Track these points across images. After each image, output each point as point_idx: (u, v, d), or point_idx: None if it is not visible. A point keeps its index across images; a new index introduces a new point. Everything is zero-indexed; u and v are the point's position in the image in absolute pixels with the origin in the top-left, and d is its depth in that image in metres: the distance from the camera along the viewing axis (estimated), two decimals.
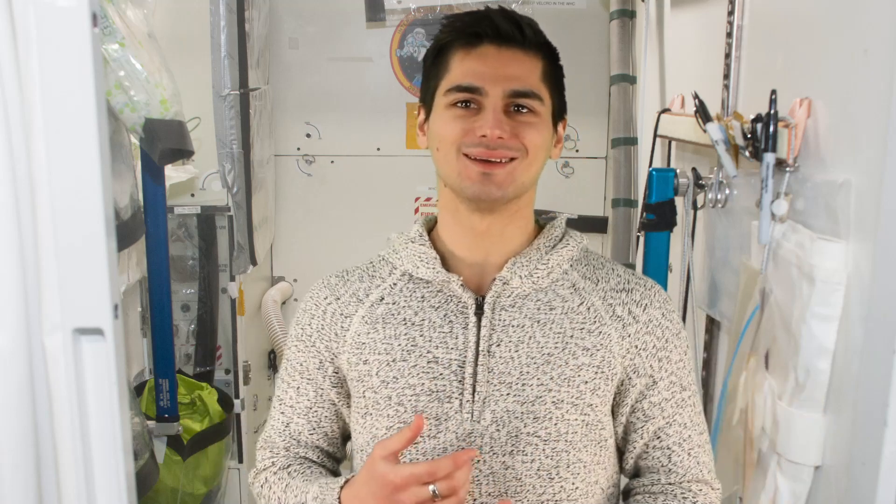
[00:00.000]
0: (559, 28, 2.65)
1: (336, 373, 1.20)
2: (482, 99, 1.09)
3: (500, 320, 1.13)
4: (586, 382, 1.12)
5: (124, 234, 1.90)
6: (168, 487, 2.33)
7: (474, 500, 1.12)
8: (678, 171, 1.90)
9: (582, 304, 1.14)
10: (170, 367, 2.21)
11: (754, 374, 1.50)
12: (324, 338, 1.19)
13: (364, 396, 1.16)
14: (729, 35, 1.71)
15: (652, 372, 1.15)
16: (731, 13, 1.70)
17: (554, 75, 1.14)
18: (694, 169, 1.87)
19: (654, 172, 1.93)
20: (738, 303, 1.63)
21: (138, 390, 2.36)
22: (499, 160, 1.08)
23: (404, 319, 1.15)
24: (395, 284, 1.18)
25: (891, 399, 1.08)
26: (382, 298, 1.17)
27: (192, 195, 2.60)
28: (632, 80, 2.66)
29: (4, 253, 0.78)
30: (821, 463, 1.30)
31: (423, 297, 1.15)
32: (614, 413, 1.18)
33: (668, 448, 1.17)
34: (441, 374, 1.12)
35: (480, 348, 1.12)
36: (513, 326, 1.13)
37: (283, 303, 3.15)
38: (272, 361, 3.20)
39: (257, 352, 3.00)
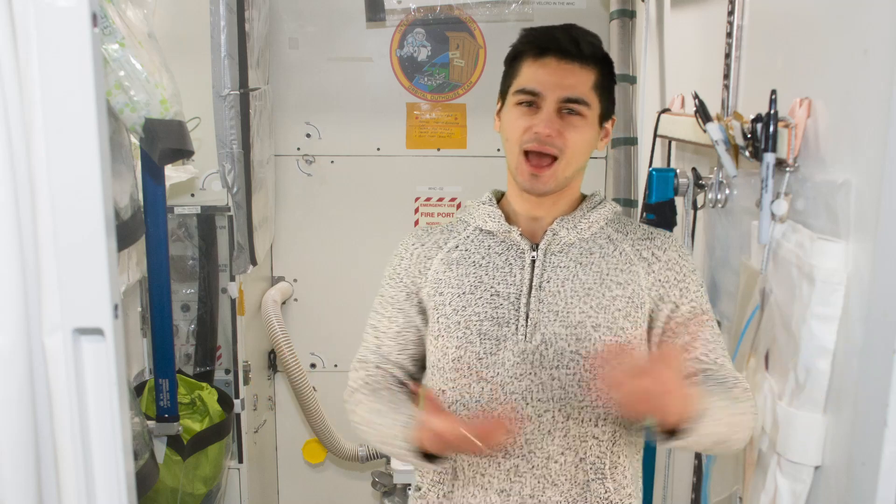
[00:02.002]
0: None
1: (419, 303, 1.48)
2: (541, 101, 1.35)
3: (549, 262, 1.41)
4: (619, 310, 1.38)
5: (124, 234, 1.89)
6: (168, 487, 2.33)
7: (527, 404, 1.37)
8: (678, 171, 1.91)
9: (615, 250, 1.42)
10: (170, 367, 2.21)
11: (754, 374, 1.50)
12: (410, 274, 1.48)
13: (438, 322, 1.43)
14: (729, 35, 1.71)
15: (675, 299, 1.41)
16: (731, 13, 1.70)
17: (604, 84, 1.40)
18: (694, 169, 1.87)
19: (654, 172, 1.93)
20: (738, 303, 1.63)
21: (138, 390, 2.36)
22: (546, 159, 1.35)
23: (474, 262, 1.44)
24: (468, 237, 1.47)
25: (891, 399, 1.08)
26: (457, 246, 1.47)
27: (192, 195, 2.59)
28: (632, 80, 2.66)
29: (4, 253, 0.78)
30: (821, 463, 1.30)
31: (489, 246, 1.45)
32: (649, 337, 1.41)
33: (697, 358, 1.39)
34: (501, 305, 1.40)
35: (533, 284, 1.40)
36: (560, 267, 1.40)
37: (283, 303, 3.14)
38: (272, 361, 3.20)
39: (257, 352, 3.00)
